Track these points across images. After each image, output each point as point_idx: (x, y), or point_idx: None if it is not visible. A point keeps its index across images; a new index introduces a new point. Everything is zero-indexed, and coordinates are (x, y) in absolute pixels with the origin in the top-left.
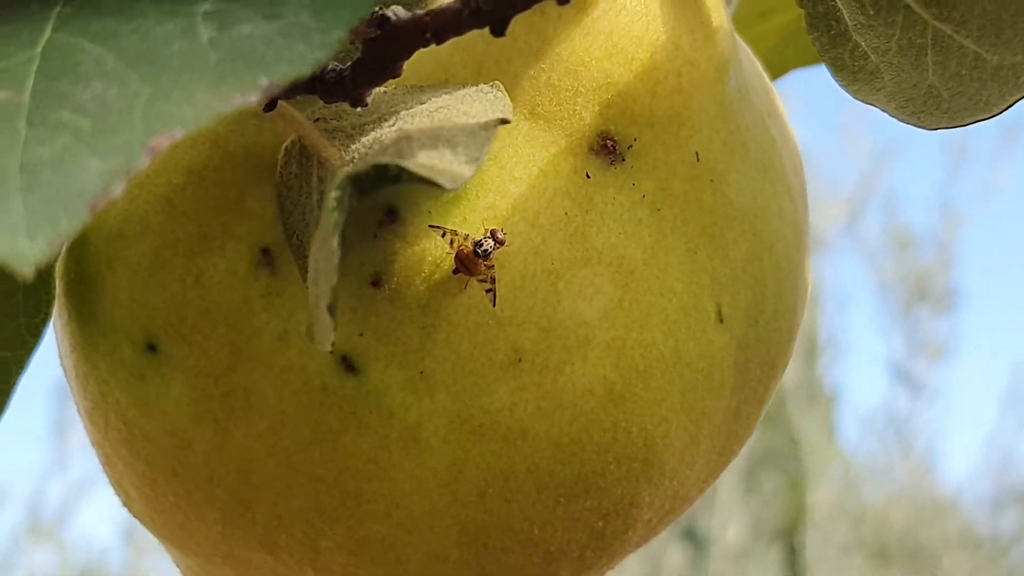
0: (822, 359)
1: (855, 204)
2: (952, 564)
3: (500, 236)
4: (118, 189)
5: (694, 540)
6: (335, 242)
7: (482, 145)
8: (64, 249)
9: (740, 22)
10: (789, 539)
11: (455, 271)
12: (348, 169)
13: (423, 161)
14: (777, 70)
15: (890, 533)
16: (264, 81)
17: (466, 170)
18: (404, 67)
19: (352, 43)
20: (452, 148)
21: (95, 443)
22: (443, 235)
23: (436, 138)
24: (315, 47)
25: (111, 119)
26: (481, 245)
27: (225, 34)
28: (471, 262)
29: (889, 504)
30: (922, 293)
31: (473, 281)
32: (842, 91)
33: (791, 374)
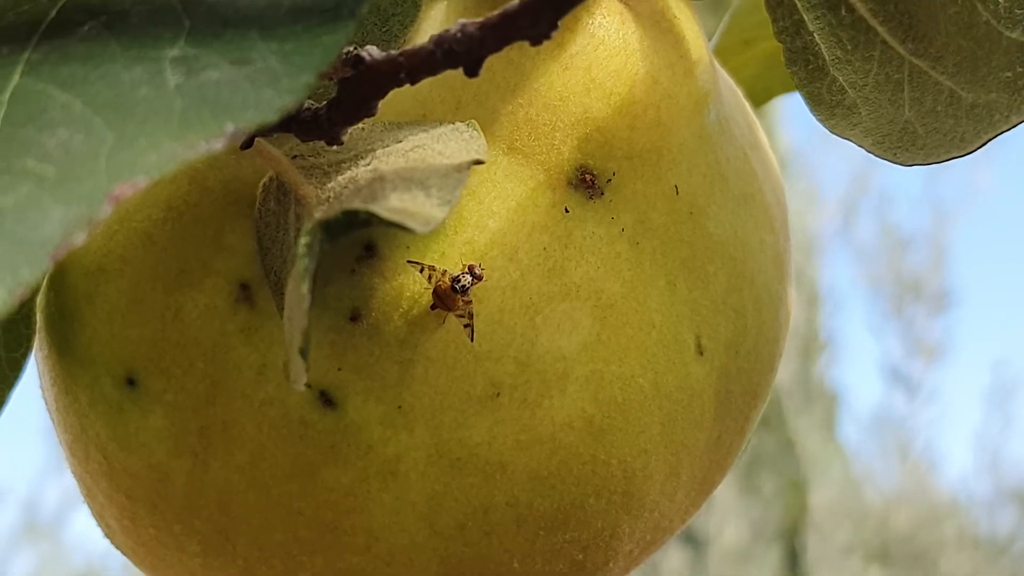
0: (819, 360)
1: (847, 205)
2: (951, 564)
3: (478, 271)
4: (80, 238)
5: (693, 542)
6: (305, 287)
7: (455, 188)
8: (45, 283)
9: (724, 51)
10: (789, 541)
11: (433, 306)
12: (319, 215)
13: (395, 204)
14: (761, 97)
15: (889, 534)
16: (230, 128)
17: (438, 213)
18: (380, 105)
19: (329, 80)
20: (425, 190)
21: (76, 476)
22: (421, 271)
23: (409, 180)
24: (282, 92)
25: (75, 167)
26: (459, 281)
27: (192, 80)
28: (448, 297)
29: (888, 505)
30: (916, 293)
31: (451, 316)
32: None
33: (788, 375)
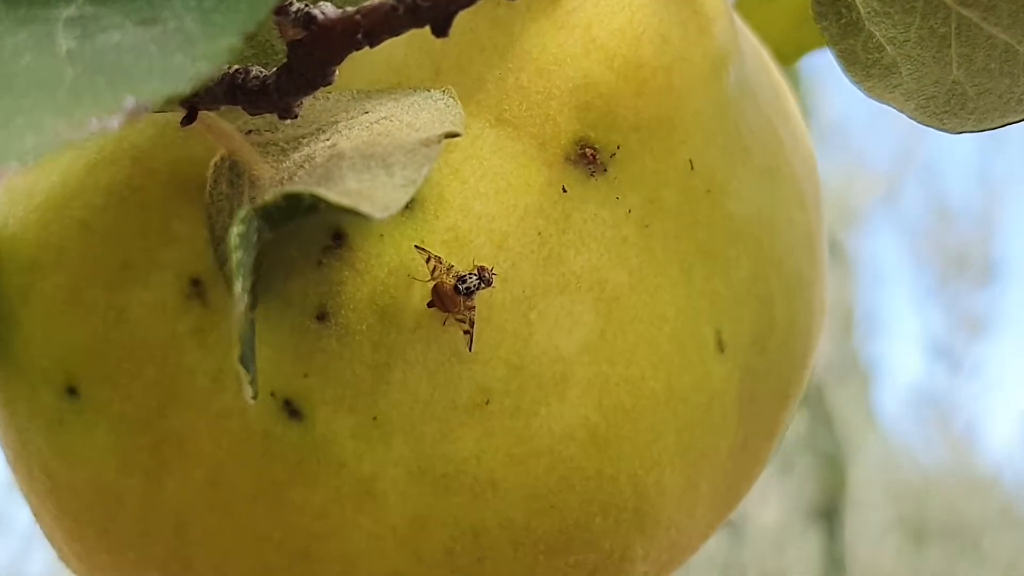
0: (858, 334)
1: (892, 176)
2: (993, 543)
3: (488, 276)
4: None
5: (729, 522)
6: (239, 287)
7: (421, 166)
8: None
9: (746, 4)
10: (828, 519)
11: (430, 303)
12: (255, 201)
13: (351, 186)
14: (792, 54)
15: (930, 512)
16: (130, 101)
17: (400, 195)
18: (341, 72)
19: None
20: (387, 169)
21: (24, 493)
22: (427, 260)
23: (370, 157)
24: (196, 58)
25: None
26: (464, 281)
27: (87, 44)
28: (449, 298)
29: (928, 483)
30: (960, 266)
31: (431, 313)
32: None
33: (826, 350)
